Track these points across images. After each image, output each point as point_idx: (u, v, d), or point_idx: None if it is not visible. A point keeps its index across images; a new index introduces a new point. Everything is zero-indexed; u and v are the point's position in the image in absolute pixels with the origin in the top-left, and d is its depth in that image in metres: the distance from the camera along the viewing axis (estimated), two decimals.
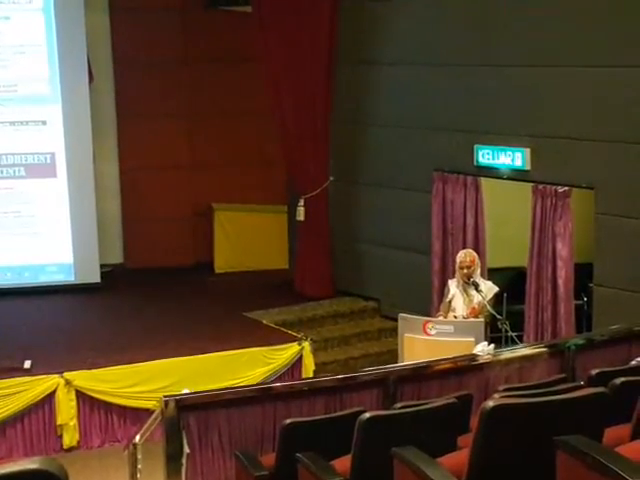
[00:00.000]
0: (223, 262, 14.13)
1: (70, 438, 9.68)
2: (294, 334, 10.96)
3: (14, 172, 12.88)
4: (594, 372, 6.05)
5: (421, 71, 11.38)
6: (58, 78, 12.80)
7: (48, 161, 12.94)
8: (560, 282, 10.00)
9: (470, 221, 10.89)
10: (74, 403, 9.72)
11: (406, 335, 8.79)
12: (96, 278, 13.11)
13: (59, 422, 9.66)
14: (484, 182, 10.82)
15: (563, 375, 6.69)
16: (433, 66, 11.22)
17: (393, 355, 9.60)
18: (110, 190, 14.07)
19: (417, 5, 11.34)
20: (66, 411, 9.66)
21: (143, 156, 13.88)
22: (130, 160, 14.02)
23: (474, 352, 7.58)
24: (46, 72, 12.82)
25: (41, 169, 12.94)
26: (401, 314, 9.05)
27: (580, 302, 10.55)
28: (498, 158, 10.51)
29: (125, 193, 14.19)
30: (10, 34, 12.69)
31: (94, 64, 13.26)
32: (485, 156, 10.62)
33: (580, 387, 5.63)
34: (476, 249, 9.97)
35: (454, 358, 7.12)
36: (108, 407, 9.91)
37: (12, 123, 12.82)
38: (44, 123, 12.88)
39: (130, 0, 13.56)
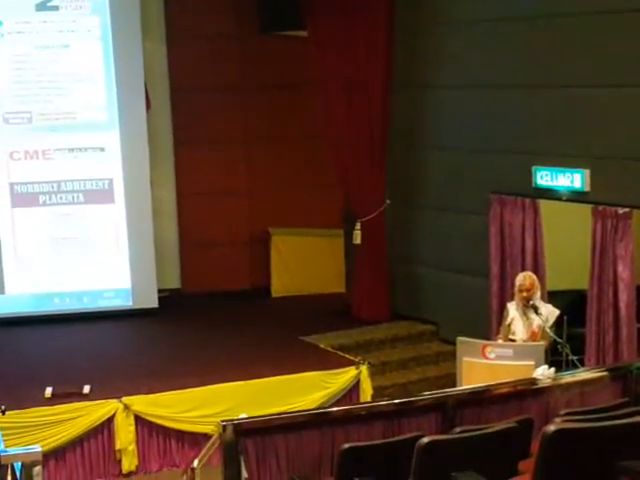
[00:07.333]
0: (280, 286, 14.14)
1: (129, 463, 9.73)
2: (351, 358, 10.91)
3: (73, 198, 13.01)
4: None
5: (478, 93, 11.30)
6: (116, 105, 12.93)
7: (106, 187, 13.06)
8: (622, 305, 9.83)
9: (529, 243, 10.77)
10: (133, 428, 9.76)
11: (465, 359, 8.70)
12: (154, 303, 13.19)
13: (118, 447, 9.71)
14: (543, 204, 10.71)
15: (626, 399, 6.57)
16: (490, 88, 11.14)
17: (451, 379, 9.49)
18: (167, 215, 14.16)
19: (476, 27, 11.27)
20: (125, 436, 9.69)
21: (200, 181, 13.97)
22: (187, 185, 14.12)
23: (534, 376, 7.46)
24: (104, 99, 12.96)
25: (99, 195, 13.06)
26: (459, 338, 8.95)
27: None
28: (557, 179, 10.38)
29: (182, 218, 14.27)
30: (69, 62, 12.85)
31: (151, 91, 13.39)
32: (543, 177, 10.50)
33: None
34: (535, 272, 9.84)
35: (514, 382, 7.02)
36: (166, 432, 9.94)
37: (71, 150, 12.96)
38: (102, 149, 13.01)
39: (187, 28, 13.68)
